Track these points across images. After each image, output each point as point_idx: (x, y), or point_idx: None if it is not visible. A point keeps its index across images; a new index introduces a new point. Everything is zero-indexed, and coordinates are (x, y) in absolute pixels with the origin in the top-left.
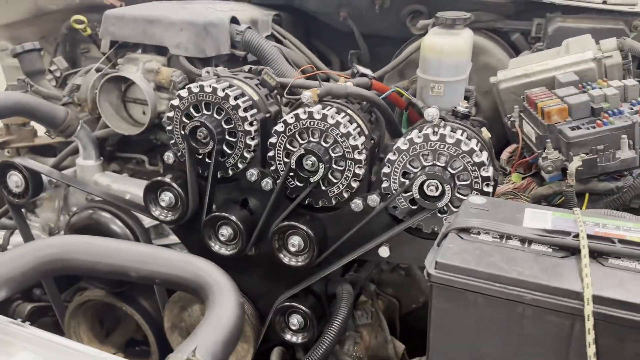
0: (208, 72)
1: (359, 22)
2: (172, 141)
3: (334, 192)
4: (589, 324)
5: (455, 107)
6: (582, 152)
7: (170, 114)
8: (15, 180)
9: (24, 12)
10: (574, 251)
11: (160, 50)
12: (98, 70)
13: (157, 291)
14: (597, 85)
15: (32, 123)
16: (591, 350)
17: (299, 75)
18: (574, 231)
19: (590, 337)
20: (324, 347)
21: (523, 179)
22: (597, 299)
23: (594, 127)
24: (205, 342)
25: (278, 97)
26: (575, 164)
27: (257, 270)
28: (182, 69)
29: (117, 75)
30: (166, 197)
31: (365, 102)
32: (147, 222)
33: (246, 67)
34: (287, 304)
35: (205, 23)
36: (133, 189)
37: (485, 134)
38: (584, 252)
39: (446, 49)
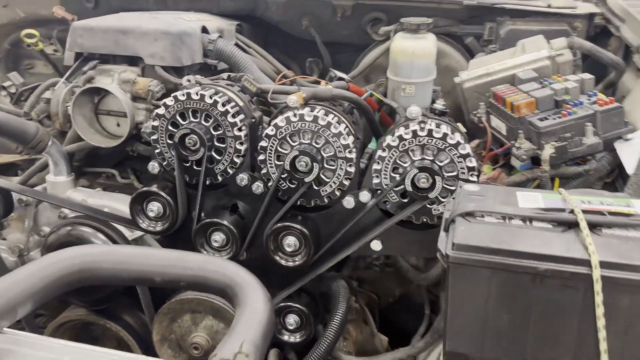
0: (189, 80)
1: (320, 31)
2: (157, 150)
3: (326, 191)
4: (598, 286)
5: (433, 105)
6: (551, 140)
7: (155, 123)
8: None
9: None
10: (571, 225)
11: (131, 61)
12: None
13: (144, 304)
14: (553, 80)
15: None
16: (600, 310)
17: (276, 81)
18: (568, 207)
19: (599, 299)
20: (329, 340)
21: (493, 169)
22: (603, 264)
23: (560, 117)
24: (248, 336)
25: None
26: (548, 151)
27: None
28: (159, 78)
29: (92, 87)
30: (154, 207)
31: (346, 104)
32: (128, 234)
33: (225, 75)
34: (283, 304)
35: (180, 32)
36: (111, 202)
37: (462, 128)
38: (583, 224)
39: (417, 52)
